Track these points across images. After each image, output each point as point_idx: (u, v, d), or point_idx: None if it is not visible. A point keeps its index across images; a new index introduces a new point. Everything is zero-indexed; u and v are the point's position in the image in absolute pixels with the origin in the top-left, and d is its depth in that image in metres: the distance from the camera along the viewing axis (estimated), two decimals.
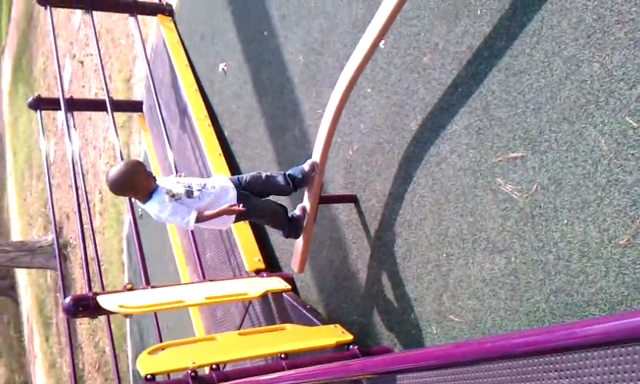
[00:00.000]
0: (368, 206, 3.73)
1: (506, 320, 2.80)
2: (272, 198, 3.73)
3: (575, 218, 2.48)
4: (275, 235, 4.79)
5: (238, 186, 3.53)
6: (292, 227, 3.69)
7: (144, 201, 3.36)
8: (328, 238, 4.12)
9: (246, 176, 3.60)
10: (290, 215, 3.69)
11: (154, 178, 3.36)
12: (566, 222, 2.52)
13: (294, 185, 3.59)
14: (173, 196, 3.31)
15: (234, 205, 3.38)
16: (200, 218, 3.35)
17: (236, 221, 3.62)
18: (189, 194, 3.35)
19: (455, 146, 3.09)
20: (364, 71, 3.37)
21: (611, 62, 2.35)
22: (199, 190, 3.39)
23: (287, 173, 3.61)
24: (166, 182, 3.42)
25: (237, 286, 4.28)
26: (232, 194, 3.45)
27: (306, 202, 3.67)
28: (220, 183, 3.49)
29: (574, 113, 2.49)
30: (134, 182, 3.31)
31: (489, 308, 2.89)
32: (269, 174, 3.64)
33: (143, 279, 4.55)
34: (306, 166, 3.58)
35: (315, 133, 3.68)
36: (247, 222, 4.83)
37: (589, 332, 1.52)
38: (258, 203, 3.58)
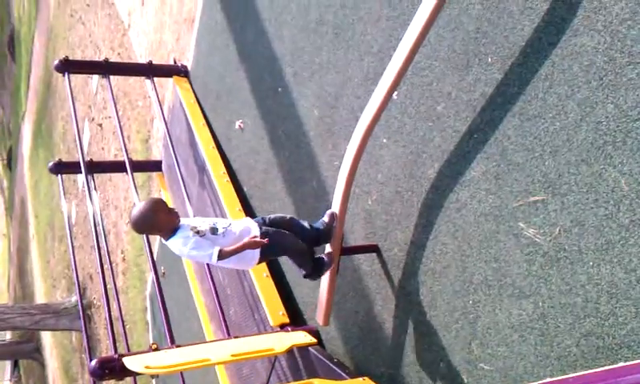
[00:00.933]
0: (390, 255, 3.73)
1: (537, 366, 2.76)
2: None
3: (601, 259, 2.46)
4: (299, 288, 4.79)
5: (262, 224, 3.53)
6: (315, 268, 3.65)
7: (167, 238, 3.36)
8: (351, 289, 4.10)
9: (270, 215, 3.61)
10: (315, 256, 3.66)
11: (177, 214, 3.37)
12: (591, 263, 2.50)
13: (317, 235, 3.60)
14: (197, 232, 3.30)
15: (257, 237, 3.35)
16: (223, 254, 3.30)
17: (260, 261, 3.53)
18: (213, 231, 3.35)
19: (474, 191, 3.09)
20: (379, 122, 3.40)
21: (625, 103, 2.36)
22: (224, 228, 3.38)
23: (311, 223, 3.63)
24: (191, 220, 3.42)
25: (262, 341, 4.27)
26: (255, 232, 3.42)
27: (330, 249, 3.66)
28: (244, 224, 3.50)
29: (592, 154, 2.49)
30: (157, 221, 3.31)
31: (519, 354, 2.85)
32: (294, 217, 3.66)
33: (168, 338, 4.55)
34: (325, 218, 3.60)
35: (333, 184, 3.70)
36: (269, 276, 4.84)
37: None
38: (280, 239, 3.53)
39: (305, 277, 3.71)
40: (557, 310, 2.65)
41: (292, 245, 3.56)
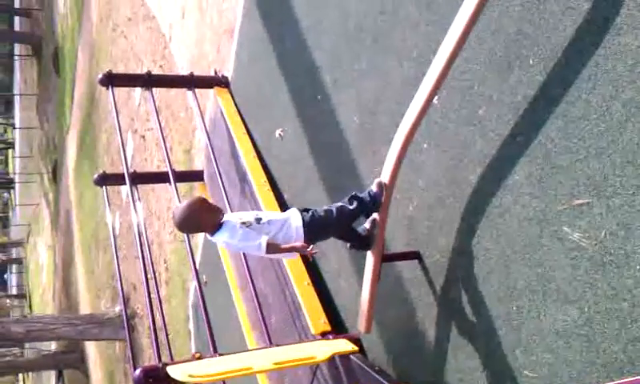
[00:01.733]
0: (432, 261, 3.70)
1: (583, 373, 2.70)
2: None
3: None
4: (340, 296, 4.78)
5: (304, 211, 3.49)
6: (362, 242, 3.63)
7: (212, 233, 3.36)
8: (393, 296, 4.08)
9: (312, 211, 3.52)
10: (359, 230, 3.63)
11: (220, 210, 3.37)
12: (638, 267, 2.45)
13: (364, 208, 3.53)
14: (244, 223, 3.31)
15: (307, 245, 3.35)
16: (271, 247, 3.30)
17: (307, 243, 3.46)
18: (258, 220, 3.35)
19: (518, 196, 3.05)
20: (419, 127, 3.38)
21: None
22: (268, 219, 3.39)
23: (354, 194, 3.55)
24: (233, 215, 3.43)
25: (304, 349, 4.27)
26: (298, 221, 3.40)
27: (376, 216, 3.58)
28: (287, 213, 3.49)
29: (638, 155, 2.44)
30: (200, 219, 3.33)
31: (564, 361, 2.80)
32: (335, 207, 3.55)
33: (211, 347, 4.58)
34: (373, 187, 3.52)
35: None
36: (310, 284, 4.85)
37: None
38: (327, 222, 3.48)
39: (350, 248, 3.72)
40: (603, 315, 2.60)
41: (335, 226, 3.54)
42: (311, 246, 3.36)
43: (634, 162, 2.46)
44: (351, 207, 3.49)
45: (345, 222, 3.56)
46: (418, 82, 3.24)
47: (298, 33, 5.37)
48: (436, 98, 3.52)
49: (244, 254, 5.19)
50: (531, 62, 2.95)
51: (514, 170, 3.07)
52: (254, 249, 3.34)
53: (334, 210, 3.50)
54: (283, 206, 5.56)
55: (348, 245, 3.72)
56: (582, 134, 2.68)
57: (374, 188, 3.51)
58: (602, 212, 2.60)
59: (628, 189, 2.48)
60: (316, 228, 3.43)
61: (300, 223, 3.40)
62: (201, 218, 3.32)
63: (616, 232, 2.54)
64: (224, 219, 3.34)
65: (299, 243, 3.35)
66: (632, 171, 2.46)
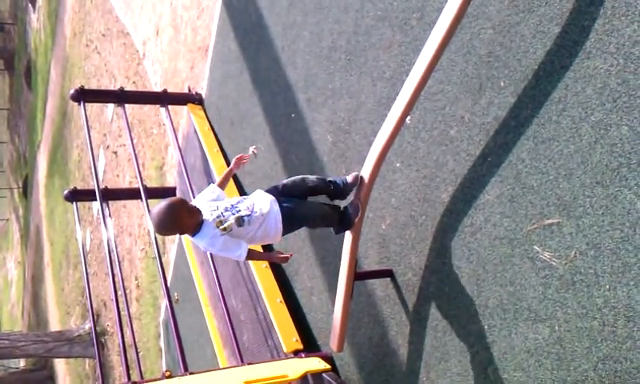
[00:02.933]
0: (404, 280, 3.71)
1: None
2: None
3: (617, 282, 2.44)
4: (312, 314, 4.77)
5: (277, 194, 3.43)
6: (343, 223, 3.54)
7: (192, 234, 3.28)
8: (366, 314, 4.08)
9: (281, 183, 3.49)
10: (341, 209, 3.55)
11: (199, 211, 3.26)
12: (608, 286, 2.48)
13: (334, 191, 3.52)
14: (224, 229, 3.23)
15: (284, 255, 3.45)
16: (250, 255, 3.33)
17: (285, 234, 3.45)
18: (239, 222, 3.26)
19: (489, 215, 3.08)
20: (392, 147, 3.41)
21: None
22: (248, 216, 3.29)
23: (327, 178, 3.55)
24: (212, 213, 3.29)
25: (276, 368, 4.24)
26: (277, 217, 3.35)
27: (357, 198, 3.51)
28: (265, 204, 3.36)
29: (607, 176, 2.48)
30: (179, 222, 3.22)
31: (535, 379, 2.82)
32: (306, 177, 3.55)
33: (181, 365, 4.54)
34: (349, 178, 3.49)
35: None
36: (283, 301, 4.83)
37: None
38: (304, 211, 3.47)
39: (336, 233, 3.64)
40: (573, 333, 2.63)
41: (312, 215, 3.51)
42: (288, 254, 3.40)
43: (602, 183, 2.50)
44: (323, 184, 3.51)
45: (320, 223, 3.60)
46: (391, 102, 3.26)
47: (271, 51, 5.39)
48: (409, 118, 3.56)
49: (215, 270, 5.16)
50: (502, 83, 2.99)
51: (485, 189, 3.10)
52: (233, 257, 3.34)
53: (316, 211, 3.50)
54: None
55: (333, 230, 3.63)
56: (552, 155, 2.72)
57: (349, 178, 3.49)
58: (572, 232, 2.63)
59: (597, 209, 2.52)
60: (294, 220, 3.40)
61: (279, 216, 3.35)
62: (181, 220, 3.21)
63: (586, 252, 2.57)
64: (204, 218, 3.25)
65: (277, 256, 3.42)
66: (601, 192, 2.50)
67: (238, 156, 3.63)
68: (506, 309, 2.97)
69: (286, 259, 3.42)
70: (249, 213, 3.30)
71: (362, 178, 3.45)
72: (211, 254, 5.28)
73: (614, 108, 2.45)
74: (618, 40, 2.44)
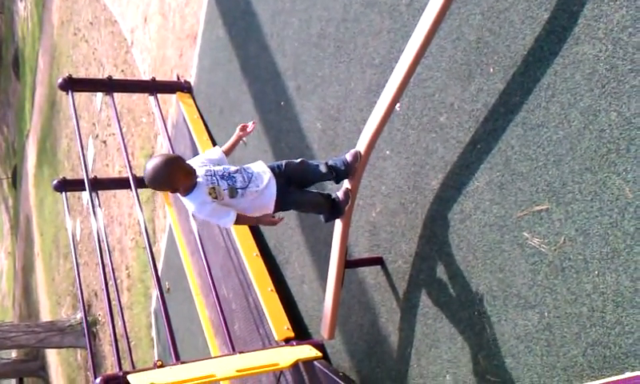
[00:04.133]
0: (395, 267, 3.71)
1: (543, 377, 2.74)
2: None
3: (606, 268, 2.45)
4: (303, 302, 4.77)
5: (278, 174, 3.36)
6: (333, 212, 3.50)
7: (184, 194, 3.20)
8: (356, 302, 4.09)
9: (284, 163, 3.43)
10: (332, 197, 3.50)
11: (194, 172, 3.18)
12: (597, 272, 2.49)
13: (336, 175, 3.43)
14: (215, 197, 3.16)
15: (275, 217, 3.34)
16: (239, 220, 3.25)
17: (275, 211, 3.39)
18: (232, 193, 3.20)
19: (478, 202, 3.08)
20: (382, 134, 3.40)
21: (628, 110, 2.35)
22: (243, 189, 3.22)
23: (328, 163, 3.45)
24: (207, 177, 3.20)
25: (267, 356, 4.25)
26: (272, 197, 3.30)
27: (348, 185, 3.48)
28: (262, 181, 3.30)
29: (596, 162, 2.48)
30: (173, 180, 3.14)
31: (525, 365, 2.83)
32: (309, 161, 3.49)
33: (173, 354, 4.53)
34: (348, 156, 3.40)
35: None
36: (274, 290, 4.83)
37: None
38: (297, 198, 3.43)
39: (325, 221, 3.60)
40: (562, 319, 2.64)
41: (307, 202, 3.49)
42: (278, 216, 3.31)
43: (591, 169, 2.50)
44: (322, 169, 3.41)
45: (311, 209, 3.59)
46: (381, 89, 3.25)
47: (260, 39, 5.36)
48: (398, 105, 3.54)
49: (206, 259, 5.15)
50: (491, 70, 2.99)
51: (475, 176, 3.10)
52: (220, 223, 3.35)
53: (307, 200, 3.48)
54: None
55: (322, 218, 3.59)
56: (542, 141, 2.72)
57: (348, 157, 3.40)
58: (561, 218, 2.64)
59: (586, 195, 2.52)
60: (286, 203, 3.37)
61: (275, 192, 3.30)
62: (175, 178, 3.13)
63: (575, 238, 2.58)
64: (198, 181, 3.17)
65: (267, 219, 3.33)
66: (590, 178, 2.50)
67: (242, 125, 3.57)
68: (495, 295, 2.98)
69: (276, 222, 3.33)
70: (244, 186, 3.23)
71: (360, 153, 3.38)
72: (201, 242, 5.27)
73: (602, 94, 2.45)
74: (607, 25, 2.43)
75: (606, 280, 2.45)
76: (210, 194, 3.15)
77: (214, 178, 3.20)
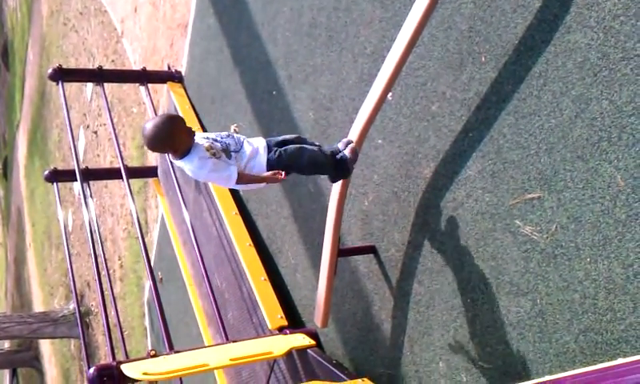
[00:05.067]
0: (387, 255, 3.73)
1: (536, 363, 2.76)
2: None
3: (598, 255, 2.47)
4: (297, 291, 4.79)
5: (272, 144, 3.28)
6: (339, 171, 3.37)
7: (180, 157, 3.12)
8: (349, 290, 4.10)
9: (284, 137, 3.36)
10: (338, 157, 3.34)
11: (194, 133, 3.11)
12: (589, 260, 2.50)
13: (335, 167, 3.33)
14: (214, 154, 3.09)
15: (278, 172, 3.16)
16: (241, 177, 3.14)
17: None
18: (227, 154, 3.14)
19: (471, 190, 3.09)
20: (374, 123, 3.40)
21: (620, 98, 2.36)
22: (236, 152, 3.17)
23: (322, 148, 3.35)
24: (202, 138, 3.16)
25: (261, 345, 4.26)
26: (262, 162, 3.20)
27: (353, 138, 3.38)
28: (254, 146, 3.23)
29: (588, 150, 2.49)
30: (174, 138, 3.06)
31: (518, 351, 2.85)
32: (302, 137, 3.40)
33: (166, 344, 4.54)
34: (347, 152, 3.32)
35: (329, 186, 3.70)
36: (267, 279, 4.83)
37: None
38: (294, 154, 3.26)
39: (332, 181, 3.49)
40: (555, 306, 2.65)
41: (303, 162, 3.29)
42: (282, 173, 3.16)
43: (583, 157, 2.51)
44: (325, 158, 3.30)
45: (314, 171, 3.41)
46: (373, 78, 3.25)
47: (252, 28, 5.34)
48: (390, 94, 3.54)
49: (199, 249, 5.15)
50: (483, 59, 2.99)
51: (467, 164, 3.11)
52: (222, 181, 3.20)
53: (306, 157, 3.28)
54: (239, 202, 5.54)
55: (328, 178, 3.47)
56: (533, 129, 2.73)
57: (347, 153, 3.33)
58: (552, 206, 2.65)
59: (578, 183, 2.54)
60: (285, 162, 3.21)
61: (264, 163, 3.20)
62: (175, 136, 3.06)
63: (567, 225, 2.59)
64: (195, 141, 3.11)
65: (270, 176, 3.16)
66: (582, 166, 2.52)
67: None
68: (488, 283, 2.99)
69: (279, 179, 3.18)
70: (237, 149, 3.19)
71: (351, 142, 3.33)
72: (194, 231, 5.27)
73: (594, 82, 2.46)
74: (598, 14, 2.44)
75: (597, 267, 2.47)
76: (208, 150, 3.09)
77: (208, 139, 3.16)
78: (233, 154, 3.17)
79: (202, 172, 3.13)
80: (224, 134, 3.27)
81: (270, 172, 3.17)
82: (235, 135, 3.28)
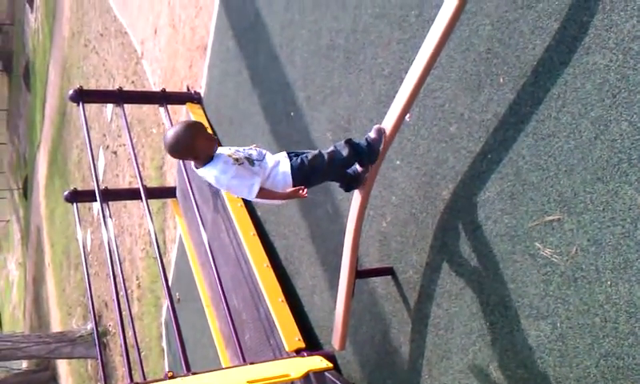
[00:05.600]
0: (405, 277, 3.71)
1: None
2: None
3: (619, 278, 2.44)
4: (314, 312, 4.77)
5: (294, 155, 3.27)
6: (366, 157, 3.26)
7: (202, 165, 3.11)
8: (367, 312, 4.08)
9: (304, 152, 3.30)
10: (361, 144, 3.27)
11: (217, 141, 3.11)
12: (609, 283, 2.48)
13: (356, 154, 3.25)
14: (237, 160, 3.07)
15: (300, 188, 3.16)
16: (263, 192, 3.13)
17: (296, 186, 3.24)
18: (250, 162, 3.13)
19: (489, 212, 3.07)
20: (392, 144, 3.40)
21: None
22: (259, 161, 3.17)
23: (349, 139, 3.30)
24: (225, 149, 3.15)
25: (278, 367, 4.24)
26: (286, 171, 3.18)
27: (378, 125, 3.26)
28: (276, 157, 3.25)
29: (608, 172, 2.47)
30: (196, 144, 3.04)
31: (538, 376, 2.82)
32: (327, 152, 3.28)
33: (184, 365, 4.54)
34: (372, 133, 3.24)
35: (347, 207, 3.69)
36: (285, 301, 4.82)
37: None
38: (315, 162, 3.24)
39: (362, 167, 3.36)
40: (575, 330, 2.62)
41: (326, 175, 3.31)
42: (304, 190, 3.16)
43: (603, 179, 2.49)
44: (344, 154, 3.24)
45: (335, 170, 3.32)
46: (390, 99, 3.25)
47: (270, 49, 5.38)
48: (408, 115, 3.55)
49: (217, 270, 5.16)
50: (501, 80, 2.99)
51: (485, 186, 3.09)
52: (245, 190, 3.12)
53: (326, 155, 3.24)
54: (257, 223, 5.55)
55: (357, 167, 3.39)
56: (553, 151, 2.71)
57: (372, 134, 3.25)
58: (572, 228, 2.63)
59: (598, 205, 2.51)
60: (305, 174, 3.22)
61: (288, 169, 3.19)
62: (197, 143, 3.04)
63: (587, 248, 2.57)
64: (217, 152, 3.10)
65: (289, 189, 3.16)
66: (602, 188, 2.50)
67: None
68: (507, 306, 2.96)
69: (302, 195, 3.16)
70: (260, 159, 3.18)
71: (384, 129, 3.24)
72: (212, 252, 5.28)
73: (613, 104, 2.44)
74: (617, 35, 2.43)
75: (618, 290, 2.44)
76: (231, 157, 3.08)
77: (232, 148, 3.16)
78: (256, 162, 3.16)
79: (225, 178, 3.08)
80: (246, 147, 3.26)
81: (292, 189, 3.16)
82: (257, 148, 3.27)
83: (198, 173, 3.19)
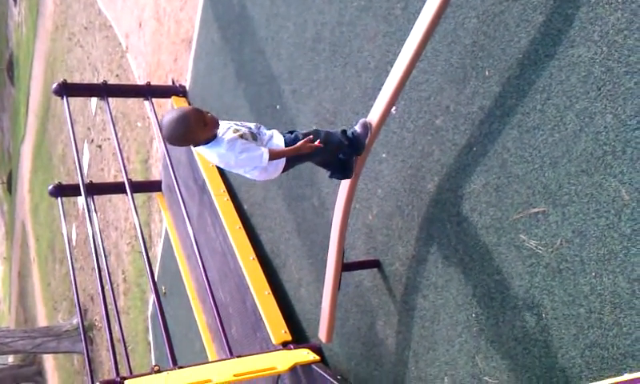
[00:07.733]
0: (392, 270, 3.72)
1: (542, 378, 2.74)
2: None
3: (603, 269, 2.45)
4: (300, 305, 4.77)
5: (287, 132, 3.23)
6: (353, 148, 3.25)
7: (205, 144, 3.01)
8: (354, 305, 4.09)
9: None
10: (348, 134, 3.26)
11: (217, 123, 2.99)
12: (594, 274, 2.49)
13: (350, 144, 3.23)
14: (241, 135, 2.98)
15: (310, 138, 3.08)
16: (272, 154, 3.00)
17: (285, 169, 3.19)
18: (252, 136, 3.05)
19: (475, 204, 3.08)
20: (378, 137, 3.40)
21: (624, 112, 2.36)
22: (257, 133, 3.10)
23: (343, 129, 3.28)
24: (225, 123, 3.05)
25: (265, 360, 4.24)
26: (280, 143, 3.11)
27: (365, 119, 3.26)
28: (270, 131, 3.18)
29: (592, 164, 2.49)
30: (191, 136, 2.95)
31: (523, 367, 2.83)
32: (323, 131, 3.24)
33: (170, 359, 4.52)
34: (357, 128, 3.23)
35: (333, 200, 3.69)
36: (271, 293, 4.82)
37: None
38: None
39: (347, 159, 3.33)
40: (560, 321, 2.64)
41: (323, 138, 3.19)
42: (317, 141, 3.08)
43: (587, 171, 2.50)
44: (339, 136, 3.23)
45: (331, 148, 3.24)
46: (376, 92, 3.25)
47: (255, 42, 5.36)
48: (394, 108, 3.55)
49: (203, 263, 5.14)
50: (487, 73, 2.99)
51: (471, 179, 3.10)
52: (256, 160, 3.00)
53: (322, 133, 3.20)
54: (243, 216, 5.54)
55: (328, 173, 3.42)
56: (537, 143, 2.72)
57: (357, 128, 3.23)
58: (557, 220, 2.64)
59: (583, 197, 2.53)
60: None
61: (282, 143, 3.12)
62: (193, 133, 2.94)
63: (572, 239, 2.58)
64: (218, 131, 3.00)
65: (301, 142, 3.06)
66: (586, 180, 2.51)
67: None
68: (493, 297, 2.98)
69: (313, 147, 3.06)
70: (257, 132, 3.11)
71: (370, 123, 3.22)
72: (198, 246, 5.27)
73: (598, 96, 2.46)
74: (602, 28, 2.44)
75: (603, 282, 2.45)
76: (235, 132, 3.00)
77: (231, 122, 3.09)
78: (256, 135, 3.09)
79: (232, 154, 2.99)
80: (245, 124, 3.18)
81: (302, 140, 3.07)
82: (253, 125, 3.19)
83: (199, 151, 3.10)
